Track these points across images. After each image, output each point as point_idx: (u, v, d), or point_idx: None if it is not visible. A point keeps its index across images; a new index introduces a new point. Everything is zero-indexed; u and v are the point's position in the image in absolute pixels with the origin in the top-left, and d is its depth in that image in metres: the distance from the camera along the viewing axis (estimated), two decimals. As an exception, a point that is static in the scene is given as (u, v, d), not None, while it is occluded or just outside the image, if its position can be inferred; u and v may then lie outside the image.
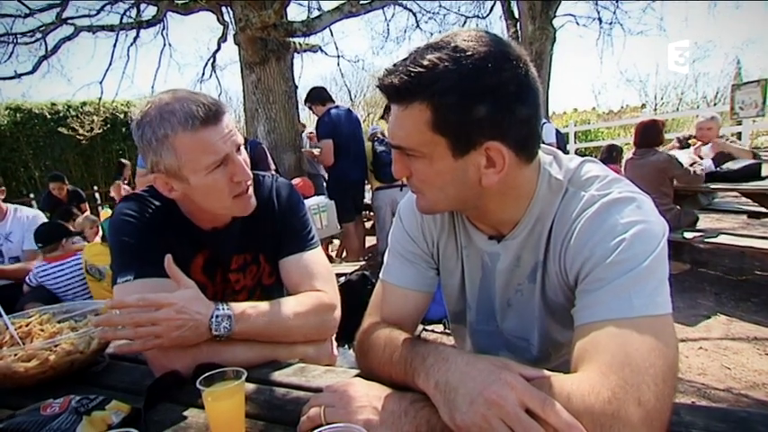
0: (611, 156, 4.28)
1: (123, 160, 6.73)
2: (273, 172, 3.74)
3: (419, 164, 0.69)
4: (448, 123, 0.64)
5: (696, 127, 4.07)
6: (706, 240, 3.27)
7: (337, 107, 4.17)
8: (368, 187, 4.56)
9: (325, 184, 4.69)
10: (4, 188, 2.91)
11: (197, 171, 0.91)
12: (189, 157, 0.89)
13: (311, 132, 5.34)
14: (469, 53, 0.61)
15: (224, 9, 6.68)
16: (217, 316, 0.88)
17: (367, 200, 4.66)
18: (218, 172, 0.92)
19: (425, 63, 0.62)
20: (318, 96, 4.15)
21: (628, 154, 3.69)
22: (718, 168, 3.62)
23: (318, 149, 4.16)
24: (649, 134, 3.49)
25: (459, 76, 0.61)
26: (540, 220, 0.75)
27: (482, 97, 0.62)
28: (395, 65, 0.66)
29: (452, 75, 0.61)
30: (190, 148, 0.88)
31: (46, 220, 2.91)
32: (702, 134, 3.99)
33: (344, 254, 4.58)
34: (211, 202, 0.97)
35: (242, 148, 0.98)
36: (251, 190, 1.00)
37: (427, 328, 2.84)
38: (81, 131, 9.96)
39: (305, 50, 6.32)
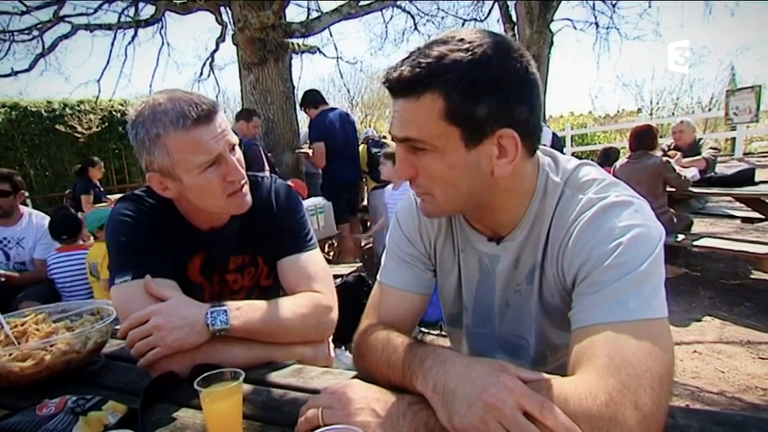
0: (608, 158, 4.32)
1: None
2: (268, 172, 3.75)
3: (429, 159, 0.68)
4: (461, 112, 0.64)
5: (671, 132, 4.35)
6: (695, 244, 3.31)
7: (332, 109, 4.20)
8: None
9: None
10: (24, 192, 2.82)
11: (189, 170, 0.91)
12: (181, 157, 0.89)
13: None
14: (477, 43, 0.63)
15: (222, 9, 6.66)
16: (212, 312, 0.88)
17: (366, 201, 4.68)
18: (211, 171, 0.92)
19: (435, 54, 0.62)
20: (312, 99, 4.20)
21: (622, 158, 3.72)
22: (712, 173, 3.67)
23: (311, 150, 4.19)
24: (644, 139, 3.52)
25: (470, 65, 0.62)
26: (538, 221, 0.75)
27: (493, 85, 0.63)
28: (402, 60, 0.66)
29: (463, 64, 0.62)
30: (182, 147, 0.89)
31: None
32: (676, 137, 4.25)
33: (339, 255, 4.58)
34: (205, 201, 0.97)
35: (236, 147, 0.97)
36: (246, 188, 1.00)
37: (423, 330, 2.84)
38: (79, 129, 9.92)
39: (303, 51, 6.33)
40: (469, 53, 0.62)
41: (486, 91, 0.63)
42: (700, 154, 3.97)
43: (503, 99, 0.64)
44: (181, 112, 0.87)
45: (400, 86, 0.66)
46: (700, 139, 4.23)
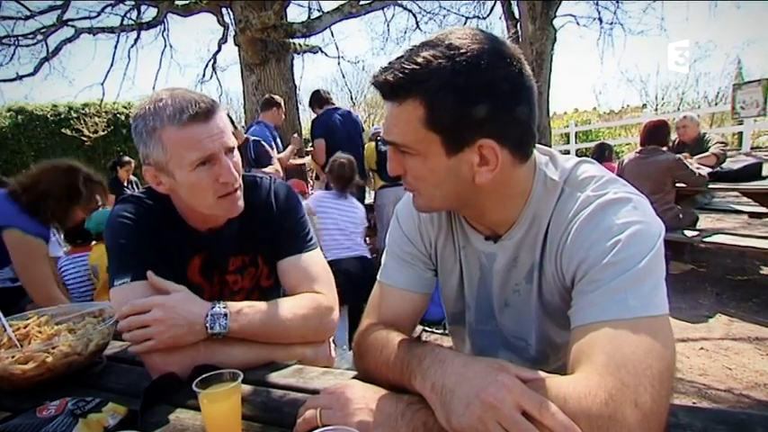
0: (603, 154, 4.31)
1: None
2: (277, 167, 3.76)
3: (413, 161, 0.69)
4: (441, 121, 0.64)
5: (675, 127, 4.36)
6: (704, 240, 3.27)
7: (336, 109, 4.22)
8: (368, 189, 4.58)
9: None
10: None
11: (182, 167, 0.91)
12: (174, 152, 0.90)
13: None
14: (463, 51, 0.61)
15: (224, 10, 6.69)
16: (213, 314, 0.88)
17: (367, 200, 4.67)
18: (203, 170, 0.92)
19: (419, 60, 0.62)
20: (318, 99, 4.28)
21: (630, 153, 3.68)
22: (719, 168, 3.63)
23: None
24: (657, 134, 3.48)
25: (452, 74, 0.61)
26: (537, 220, 0.74)
27: (475, 95, 0.62)
28: (390, 62, 0.66)
29: (446, 72, 0.61)
30: (176, 143, 0.89)
31: (59, 234, 2.91)
32: (680, 132, 4.25)
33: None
34: (196, 200, 0.97)
35: (235, 151, 0.97)
36: (239, 193, 0.99)
37: (427, 329, 2.84)
38: (85, 132, 10.01)
39: (305, 51, 6.34)
40: (454, 60, 0.61)
41: (469, 100, 0.62)
42: (706, 149, 3.92)
43: (486, 109, 0.62)
44: (178, 107, 0.88)
45: (384, 90, 0.66)
46: (704, 134, 4.20)
